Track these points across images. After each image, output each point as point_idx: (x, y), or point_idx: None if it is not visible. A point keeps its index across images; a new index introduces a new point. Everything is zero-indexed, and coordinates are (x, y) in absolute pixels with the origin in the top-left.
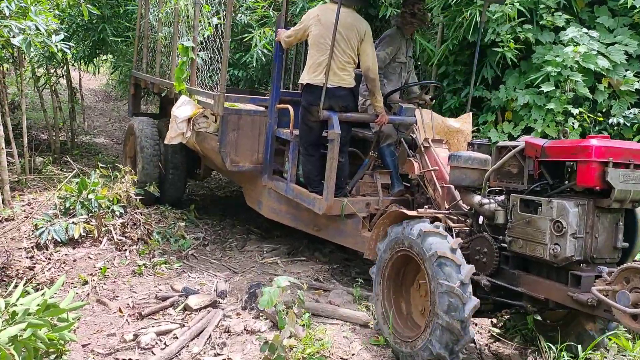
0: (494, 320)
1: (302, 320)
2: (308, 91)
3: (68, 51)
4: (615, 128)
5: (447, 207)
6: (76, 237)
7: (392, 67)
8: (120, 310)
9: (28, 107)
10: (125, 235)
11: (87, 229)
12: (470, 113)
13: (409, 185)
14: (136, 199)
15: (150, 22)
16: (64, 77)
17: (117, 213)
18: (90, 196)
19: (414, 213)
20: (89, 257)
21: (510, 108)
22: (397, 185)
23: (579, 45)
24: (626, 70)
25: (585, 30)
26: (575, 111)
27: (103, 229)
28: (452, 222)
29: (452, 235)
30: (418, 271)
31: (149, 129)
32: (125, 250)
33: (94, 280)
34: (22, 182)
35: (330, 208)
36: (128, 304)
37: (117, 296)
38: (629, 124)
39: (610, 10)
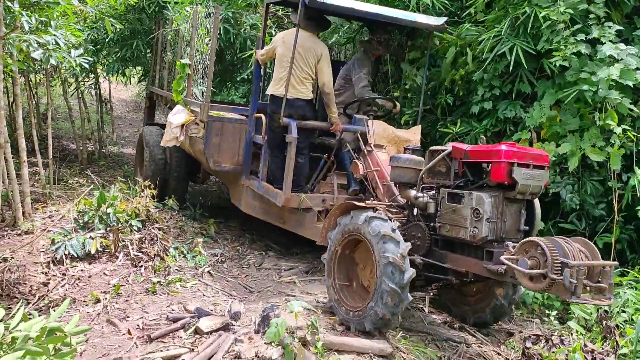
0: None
1: (315, 349)
2: (272, 101)
3: (87, 65)
4: None
5: (387, 201)
6: (93, 252)
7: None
8: (129, 332)
9: (60, 117)
10: (142, 250)
11: (104, 244)
12: (420, 125)
13: (364, 186)
14: (155, 213)
15: (165, 41)
16: (93, 87)
17: (135, 228)
18: (108, 210)
19: (361, 204)
20: (104, 274)
21: (546, 126)
22: (353, 186)
23: (617, 61)
24: None
25: (623, 46)
26: (619, 130)
27: (120, 244)
28: (392, 213)
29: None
30: (364, 252)
31: (156, 136)
32: (141, 266)
33: (106, 298)
34: (47, 194)
35: (288, 201)
36: (138, 325)
37: (128, 316)
38: None
39: None
